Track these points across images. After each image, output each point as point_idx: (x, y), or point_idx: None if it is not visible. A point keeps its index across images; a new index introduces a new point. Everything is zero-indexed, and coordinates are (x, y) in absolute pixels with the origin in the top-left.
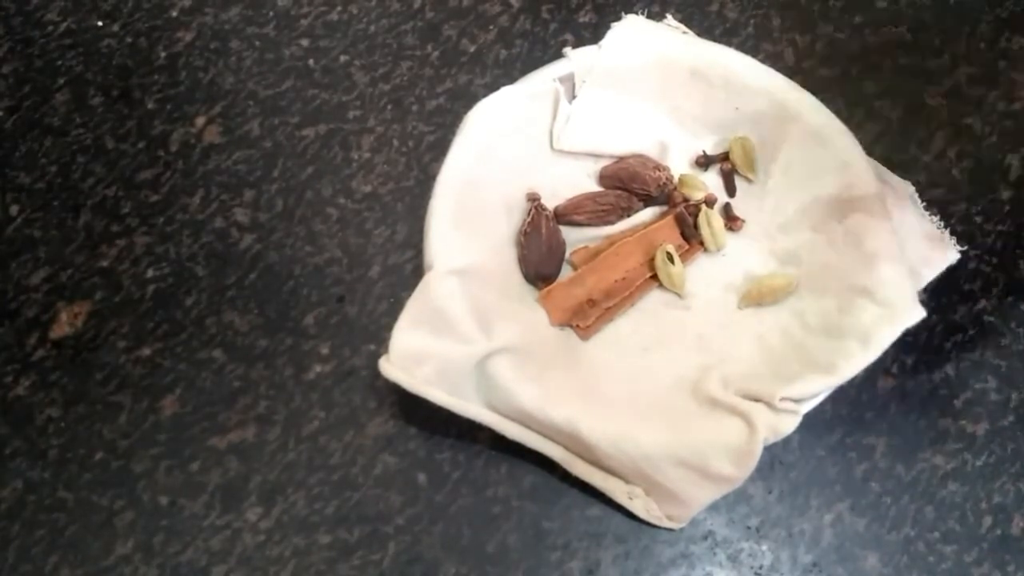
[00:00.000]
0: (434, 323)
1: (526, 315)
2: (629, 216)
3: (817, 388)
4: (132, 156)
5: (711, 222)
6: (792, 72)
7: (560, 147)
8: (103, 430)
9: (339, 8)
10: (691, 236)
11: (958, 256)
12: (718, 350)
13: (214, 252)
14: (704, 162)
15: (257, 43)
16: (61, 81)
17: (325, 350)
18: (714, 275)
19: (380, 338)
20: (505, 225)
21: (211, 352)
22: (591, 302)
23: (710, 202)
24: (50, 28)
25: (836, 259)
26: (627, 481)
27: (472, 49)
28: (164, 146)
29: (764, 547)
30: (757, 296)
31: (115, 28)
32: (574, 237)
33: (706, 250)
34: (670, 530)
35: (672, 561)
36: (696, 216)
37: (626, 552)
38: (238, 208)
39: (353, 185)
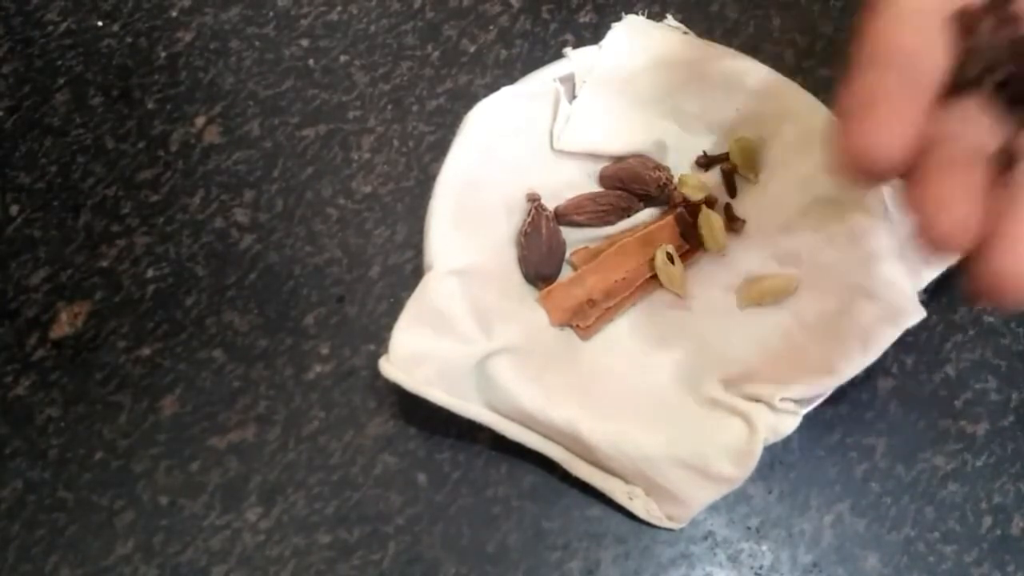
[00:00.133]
0: (434, 323)
1: (526, 315)
2: (629, 216)
3: (817, 389)
4: (132, 156)
5: (711, 222)
6: (792, 72)
7: (560, 147)
8: (103, 430)
9: (339, 8)
10: (691, 236)
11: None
12: (718, 350)
13: (214, 252)
14: (704, 162)
15: (257, 43)
16: (61, 81)
17: (325, 350)
18: (714, 275)
19: (380, 338)
20: (505, 225)
21: (211, 352)
22: (591, 302)
23: (710, 202)
24: (50, 28)
25: (836, 259)
26: (627, 481)
27: (472, 49)
28: (164, 146)
29: (764, 547)
30: (757, 296)
31: (115, 28)
32: (574, 237)
33: (706, 250)
34: (670, 530)
35: (672, 561)
36: (696, 216)
37: (626, 552)
38: (238, 208)
39: (353, 185)
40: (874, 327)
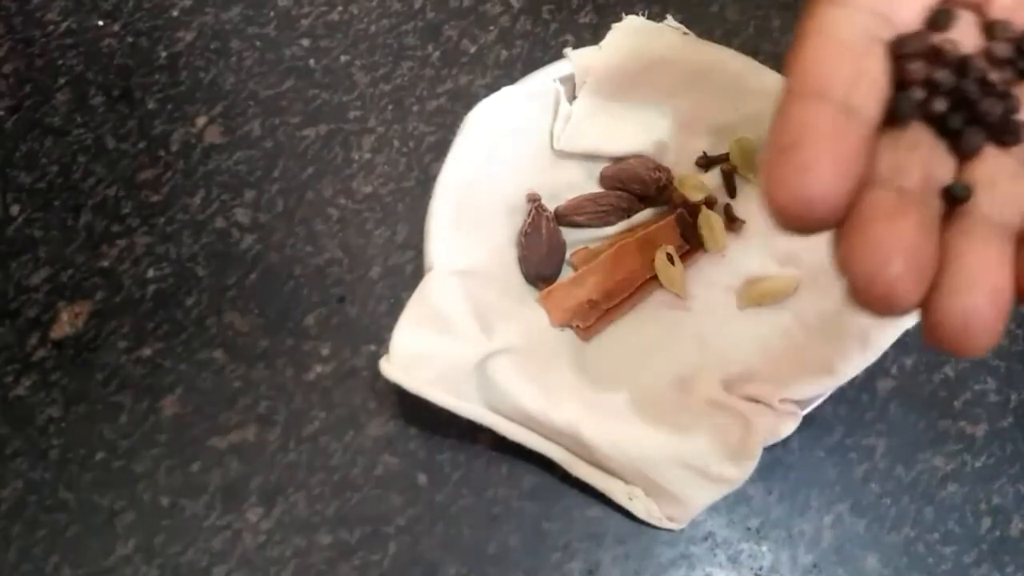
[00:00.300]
0: (435, 324)
1: (527, 316)
2: (629, 217)
3: (817, 389)
4: (133, 156)
5: (711, 223)
6: None
7: (560, 148)
8: (104, 430)
9: (340, 8)
10: (691, 237)
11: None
12: (718, 351)
13: (215, 252)
14: (704, 163)
15: (258, 43)
16: (62, 81)
17: (326, 351)
18: (714, 276)
19: (381, 339)
20: (505, 226)
21: (212, 352)
22: (592, 303)
23: (710, 203)
24: (51, 28)
25: None
26: (627, 482)
27: (473, 50)
28: (165, 146)
29: (764, 548)
30: (757, 297)
31: (116, 28)
32: (574, 238)
33: (706, 251)
34: (670, 531)
35: (672, 562)
36: (696, 217)
37: (626, 553)
38: (239, 208)
39: (354, 185)
40: (874, 327)
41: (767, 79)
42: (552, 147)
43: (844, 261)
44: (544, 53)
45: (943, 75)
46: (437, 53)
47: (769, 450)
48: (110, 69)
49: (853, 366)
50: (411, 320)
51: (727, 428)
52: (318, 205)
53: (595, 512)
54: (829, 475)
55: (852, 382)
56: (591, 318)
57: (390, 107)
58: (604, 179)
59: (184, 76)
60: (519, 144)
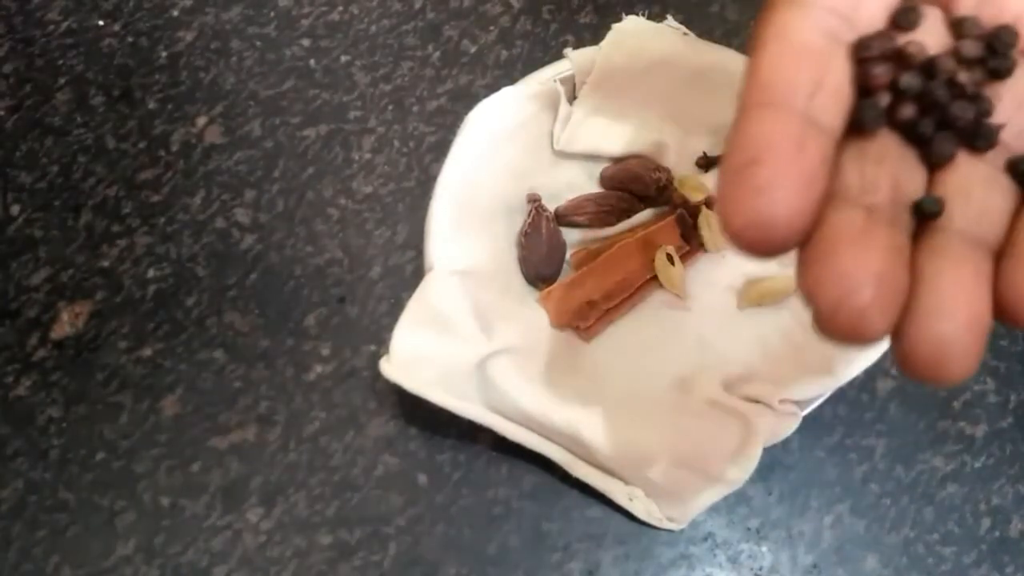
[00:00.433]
0: (435, 324)
1: (527, 316)
2: (629, 217)
3: (817, 390)
4: (133, 156)
5: (711, 223)
6: None
7: (560, 148)
8: (104, 430)
9: (340, 8)
10: (691, 237)
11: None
12: (718, 351)
13: (215, 252)
14: (704, 163)
15: (258, 43)
16: (62, 81)
17: (326, 351)
18: (714, 276)
19: (381, 339)
20: (506, 226)
21: (212, 352)
22: (592, 303)
23: (710, 203)
24: (51, 27)
25: None
26: (627, 482)
27: (473, 50)
28: (165, 146)
29: (764, 548)
30: (757, 297)
31: (116, 28)
32: (575, 238)
33: (706, 251)
34: (670, 531)
35: (672, 562)
36: (696, 217)
37: (626, 553)
38: (239, 208)
39: (354, 186)
40: None
41: None
42: (552, 147)
43: (808, 288)
44: (544, 53)
45: (909, 78)
46: (437, 53)
47: (769, 450)
48: (110, 69)
49: (853, 366)
50: (411, 320)
51: (727, 428)
52: (318, 205)
53: (595, 512)
54: (829, 475)
55: (852, 382)
56: (591, 318)
57: (390, 107)
58: (604, 179)
59: (184, 76)
60: (519, 144)
